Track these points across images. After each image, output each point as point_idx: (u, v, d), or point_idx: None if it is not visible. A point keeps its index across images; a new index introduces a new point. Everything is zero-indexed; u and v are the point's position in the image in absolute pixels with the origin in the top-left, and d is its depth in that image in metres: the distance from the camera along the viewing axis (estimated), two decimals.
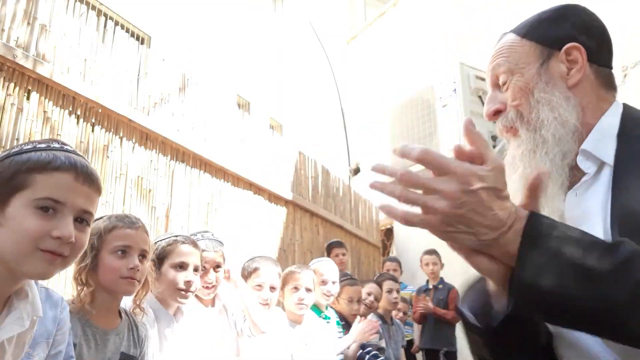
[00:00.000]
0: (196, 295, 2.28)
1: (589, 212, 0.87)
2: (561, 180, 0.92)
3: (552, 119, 0.94)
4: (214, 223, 3.42)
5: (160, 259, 2.02)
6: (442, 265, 4.69)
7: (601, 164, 0.89)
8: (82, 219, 1.01)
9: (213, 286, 2.29)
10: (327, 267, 3.19)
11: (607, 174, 0.88)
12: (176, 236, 2.11)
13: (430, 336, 4.14)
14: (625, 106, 0.97)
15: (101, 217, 1.68)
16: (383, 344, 3.44)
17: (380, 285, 3.81)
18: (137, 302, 1.72)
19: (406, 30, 6.49)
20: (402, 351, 3.85)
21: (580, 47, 0.97)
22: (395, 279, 4.04)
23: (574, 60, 0.97)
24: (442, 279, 4.67)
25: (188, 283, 1.98)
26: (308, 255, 4.41)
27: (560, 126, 0.93)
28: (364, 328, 3.06)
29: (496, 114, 1.01)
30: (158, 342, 1.93)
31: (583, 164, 0.91)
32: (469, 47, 5.39)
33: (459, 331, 4.54)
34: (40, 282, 1.31)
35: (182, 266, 1.99)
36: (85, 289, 1.55)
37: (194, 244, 2.11)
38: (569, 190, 0.92)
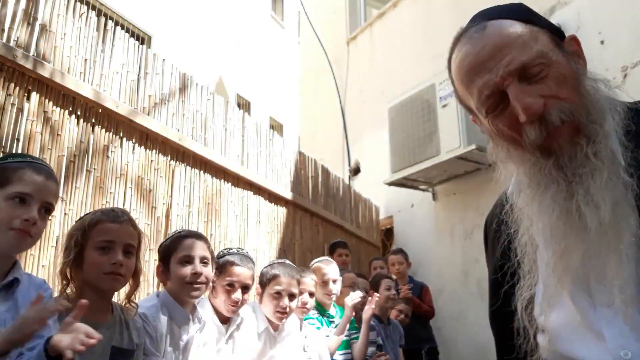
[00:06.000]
0: (217, 310, 2.29)
1: None
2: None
3: (609, 109, 0.83)
4: (214, 223, 3.42)
5: (167, 256, 2.02)
6: (409, 265, 4.70)
7: None
8: (46, 209, 1.39)
9: (238, 305, 2.27)
10: (328, 266, 3.18)
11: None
12: (179, 232, 2.11)
13: (409, 336, 4.12)
14: None
15: (89, 212, 1.67)
16: (380, 341, 3.43)
17: (377, 284, 3.80)
18: (128, 298, 1.71)
19: (406, 31, 6.49)
20: (400, 350, 3.83)
21: (577, 38, 0.90)
22: (390, 277, 4.03)
23: (576, 52, 0.89)
24: (410, 277, 4.69)
25: (195, 275, 1.96)
26: (308, 255, 4.41)
27: (616, 116, 0.82)
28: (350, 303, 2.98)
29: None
30: (172, 340, 1.92)
31: None
32: None
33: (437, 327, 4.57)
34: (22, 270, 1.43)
35: (188, 260, 1.99)
36: (71, 284, 1.54)
37: (197, 235, 2.11)
38: None
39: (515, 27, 0.85)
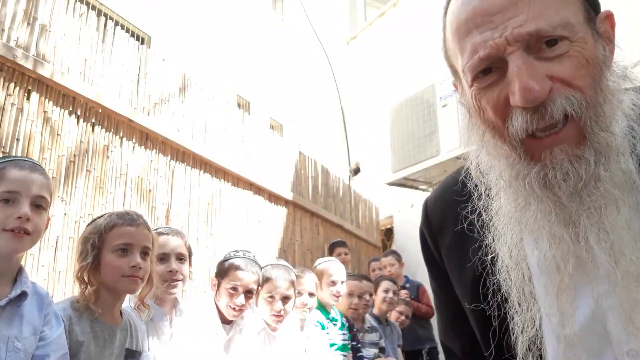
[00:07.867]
0: (220, 312, 2.27)
1: None
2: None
3: (630, 115, 0.65)
4: (214, 223, 3.42)
5: None
6: (401, 265, 4.68)
7: None
8: (37, 204, 1.33)
9: (240, 309, 2.24)
10: (336, 268, 3.15)
11: None
12: (154, 230, 2.12)
13: (410, 337, 4.11)
14: None
15: (102, 215, 1.68)
16: (382, 343, 3.43)
17: (377, 286, 3.79)
18: (142, 299, 1.73)
19: (406, 30, 6.49)
20: (399, 351, 3.83)
21: (613, 17, 0.69)
22: (393, 280, 4.02)
23: (606, 33, 0.69)
24: (406, 277, 4.67)
25: (170, 272, 1.99)
26: (308, 255, 4.41)
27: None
28: None
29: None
30: (154, 337, 1.93)
31: None
32: None
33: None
34: (29, 276, 1.41)
35: (163, 258, 2.00)
36: (88, 287, 1.55)
37: (172, 232, 2.11)
38: None
39: None
